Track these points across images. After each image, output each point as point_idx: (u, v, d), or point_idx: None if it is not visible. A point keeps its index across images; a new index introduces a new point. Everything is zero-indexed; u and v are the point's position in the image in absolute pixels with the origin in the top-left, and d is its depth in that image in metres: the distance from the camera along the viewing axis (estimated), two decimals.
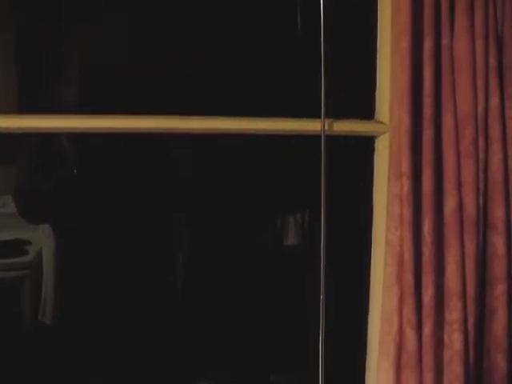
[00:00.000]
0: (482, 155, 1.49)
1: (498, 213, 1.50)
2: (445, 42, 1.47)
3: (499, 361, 1.52)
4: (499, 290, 1.50)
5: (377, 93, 1.63)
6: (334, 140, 1.58)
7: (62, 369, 1.62)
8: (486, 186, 1.50)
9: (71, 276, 1.65)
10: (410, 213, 1.44)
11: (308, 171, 1.66)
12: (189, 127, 1.52)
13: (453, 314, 1.48)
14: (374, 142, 1.66)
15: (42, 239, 1.65)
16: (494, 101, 1.49)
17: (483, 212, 1.50)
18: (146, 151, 1.65)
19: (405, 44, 1.43)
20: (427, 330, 1.47)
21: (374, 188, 1.64)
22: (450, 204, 1.47)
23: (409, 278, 1.46)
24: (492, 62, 1.49)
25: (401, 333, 1.49)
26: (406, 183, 1.44)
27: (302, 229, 1.80)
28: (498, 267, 1.51)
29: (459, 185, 1.47)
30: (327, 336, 1.58)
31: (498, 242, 1.51)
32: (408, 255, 1.45)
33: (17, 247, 1.68)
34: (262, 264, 1.77)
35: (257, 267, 1.77)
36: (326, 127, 1.55)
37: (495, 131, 1.49)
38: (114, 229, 1.66)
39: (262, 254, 1.78)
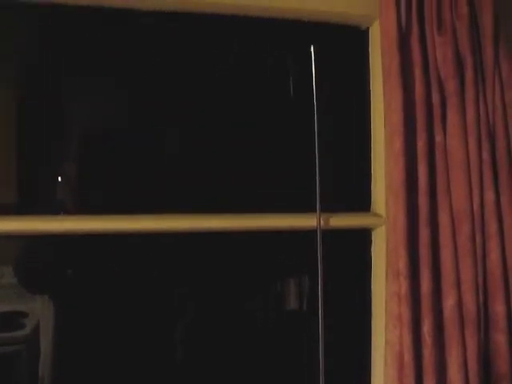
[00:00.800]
0: (479, 251, 1.47)
1: (498, 309, 1.48)
2: (438, 139, 1.48)
3: None
4: None
5: (372, 186, 1.63)
6: (331, 233, 1.57)
7: None
8: (485, 282, 1.48)
9: (70, 350, 1.62)
10: (409, 313, 1.41)
11: (305, 266, 1.64)
12: (180, 226, 1.51)
13: None
14: (370, 234, 1.65)
15: (40, 311, 1.62)
16: (489, 195, 1.49)
17: (484, 309, 1.48)
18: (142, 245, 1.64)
19: (398, 144, 1.44)
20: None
21: (372, 282, 1.62)
22: (449, 302, 1.45)
23: (409, 379, 1.42)
24: (485, 156, 1.50)
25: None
26: (404, 283, 1.42)
27: (299, 325, 1.77)
28: (502, 365, 1.48)
29: (458, 283, 1.45)
30: None
31: (500, 339, 1.48)
32: (408, 356, 1.42)
33: (13, 320, 1.62)
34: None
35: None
36: (322, 222, 1.54)
37: (492, 227, 1.48)
38: (115, 304, 1.63)
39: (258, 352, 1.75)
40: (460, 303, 1.45)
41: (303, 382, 1.68)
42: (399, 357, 1.44)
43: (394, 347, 1.46)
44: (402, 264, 1.43)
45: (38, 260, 1.61)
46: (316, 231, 1.54)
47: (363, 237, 1.65)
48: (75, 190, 1.59)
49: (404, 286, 1.42)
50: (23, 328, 1.61)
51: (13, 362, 1.58)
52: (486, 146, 1.51)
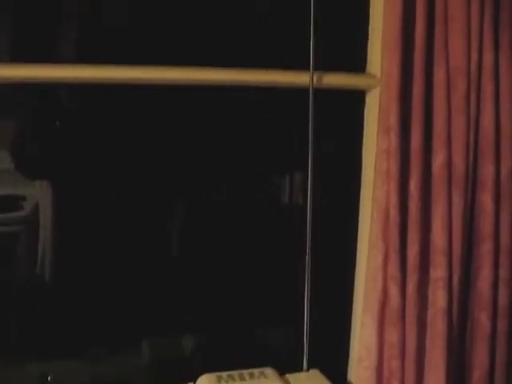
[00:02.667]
0: (473, 111, 1.45)
1: (487, 170, 1.48)
2: None
3: (483, 320, 1.51)
4: (486, 247, 1.49)
5: (368, 45, 1.59)
6: (324, 93, 1.54)
7: (60, 322, 1.62)
8: (476, 142, 1.47)
9: (68, 233, 1.64)
10: (397, 168, 1.41)
11: (298, 126, 1.62)
12: (174, 77, 1.48)
13: (437, 272, 1.46)
14: (364, 96, 1.62)
15: (38, 195, 1.63)
16: (488, 57, 1.45)
17: (472, 169, 1.47)
18: (142, 104, 1.61)
19: None
20: (411, 286, 1.46)
21: (364, 143, 1.61)
22: (438, 160, 1.45)
23: (394, 234, 1.44)
24: (487, 17, 1.44)
25: (385, 290, 1.48)
26: (394, 138, 1.41)
27: (289, 184, 1.77)
28: (486, 225, 1.50)
29: (449, 141, 1.44)
30: (313, 293, 1.58)
31: (487, 200, 1.49)
32: (394, 211, 1.43)
33: (11, 202, 1.63)
34: (248, 219, 1.76)
35: (243, 223, 1.75)
36: (315, 80, 1.51)
37: (488, 88, 1.45)
38: (113, 183, 1.64)
39: (249, 210, 1.76)
40: (449, 162, 1.45)
41: (292, 261, 1.69)
42: (385, 212, 1.45)
43: (381, 204, 1.47)
44: (393, 119, 1.41)
45: (36, 145, 1.59)
46: (308, 90, 1.51)
47: (357, 99, 1.62)
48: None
49: (394, 141, 1.41)
50: (21, 210, 1.62)
51: (12, 243, 1.60)
52: (489, 6, 1.45)
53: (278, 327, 1.82)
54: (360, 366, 1.54)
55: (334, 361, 1.64)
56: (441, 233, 1.44)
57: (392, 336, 1.49)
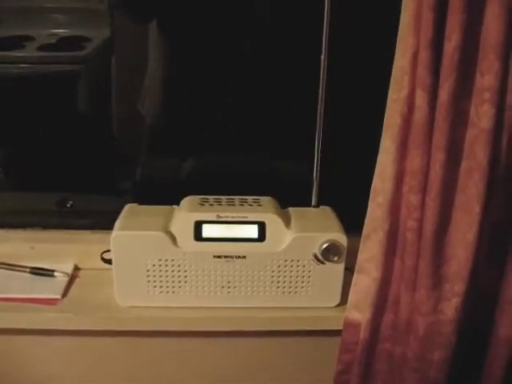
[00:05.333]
0: None
1: None
2: None
3: None
4: None
5: None
6: None
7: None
8: None
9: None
10: None
11: None
12: None
13: (485, 78, 1.07)
14: None
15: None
16: None
17: None
18: None
19: None
20: (444, 96, 1.08)
21: None
22: None
23: (428, 25, 1.06)
24: None
25: (411, 98, 1.12)
26: None
27: None
28: None
29: None
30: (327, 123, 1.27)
31: None
32: None
33: (75, 43, 1.56)
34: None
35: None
36: None
37: None
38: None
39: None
40: None
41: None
42: None
43: None
44: None
45: None
46: None
47: None
48: None
49: None
50: (83, 50, 1.55)
51: (73, 80, 1.55)
52: None
53: (290, 159, 1.53)
54: (374, 202, 1.21)
55: (348, 199, 1.32)
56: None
57: (413, 163, 1.14)
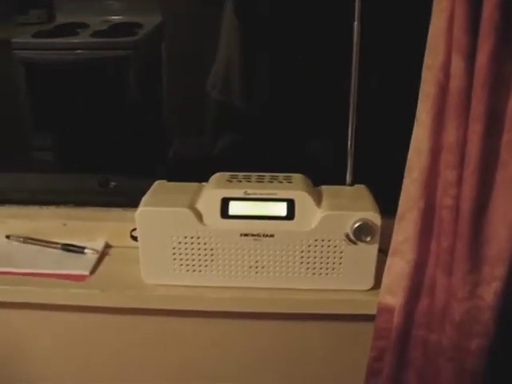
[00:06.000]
0: None
1: None
2: None
3: None
4: None
5: None
6: None
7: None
8: None
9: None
10: None
11: None
12: None
13: None
14: None
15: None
16: None
17: None
18: None
19: None
20: (482, 59, 0.99)
21: None
22: None
23: None
24: None
25: (446, 65, 1.03)
26: None
27: None
28: None
29: None
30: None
31: None
32: None
33: (126, 29, 1.60)
34: None
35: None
36: None
37: None
38: None
39: None
40: None
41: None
42: None
43: None
44: None
45: None
46: None
47: None
48: None
49: None
50: (135, 35, 1.59)
51: (125, 66, 1.57)
52: None
53: (324, 136, 1.47)
54: (409, 178, 1.13)
55: (386, 178, 1.25)
56: None
57: (450, 135, 1.05)
